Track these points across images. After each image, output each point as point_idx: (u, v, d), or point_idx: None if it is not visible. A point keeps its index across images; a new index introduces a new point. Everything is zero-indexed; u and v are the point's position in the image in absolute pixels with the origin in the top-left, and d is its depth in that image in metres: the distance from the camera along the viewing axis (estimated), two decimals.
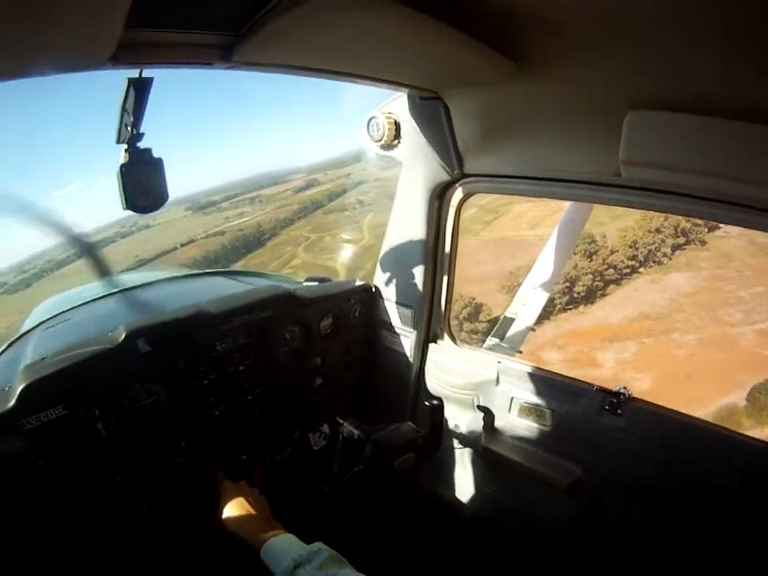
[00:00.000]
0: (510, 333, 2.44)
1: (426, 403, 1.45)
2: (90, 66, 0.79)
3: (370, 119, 1.51)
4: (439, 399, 1.49)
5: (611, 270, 26.74)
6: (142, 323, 1.45)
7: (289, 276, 2.68)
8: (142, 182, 0.95)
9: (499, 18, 0.82)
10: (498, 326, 2.50)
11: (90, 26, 0.64)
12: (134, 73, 0.86)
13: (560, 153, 1.21)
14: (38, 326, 2.09)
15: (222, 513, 1.37)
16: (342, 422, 1.55)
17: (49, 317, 2.13)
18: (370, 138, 1.53)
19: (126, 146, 0.93)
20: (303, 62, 1.01)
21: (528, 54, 0.97)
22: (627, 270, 27.33)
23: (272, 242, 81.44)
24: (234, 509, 1.35)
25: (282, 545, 1.15)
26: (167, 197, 1.02)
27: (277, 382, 1.70)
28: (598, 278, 26.39)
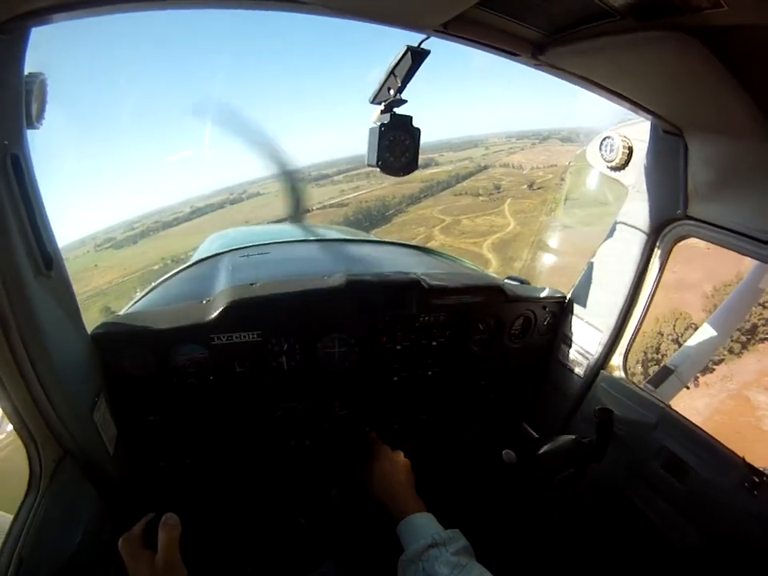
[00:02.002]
0: (665, 384, 2.86)
1: (596, 414, 1.74)
2: (423, 27, 1.06)
3: (605, 138, 1.82)
4: (611, 412, 1.75)
5: None
6: (362, 276, 1.80)
7: (479, 267, 3.07)
8: (397, 145, 1.23)
9: None
10: (656, 374, 2.93)
11: None
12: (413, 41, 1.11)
13: None
14: (231, 251, 2.59)
15: (371, 473, 1.70)
16: (519, 423, 1.94)
17: (242, 246, 2.66)
18: (601, 157, 1.85)
19: (382, 108, 1.21)
20: (592, 76, 1.28)
21: None
22: None
23: (399, 219, 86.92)
24: (386, 473, 1.68)
25: (423, 522, 1.45)
26: (416, 166, 1.28)
27: (458, 366, 2.07)
28: None
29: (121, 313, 1.93)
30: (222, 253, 2.60)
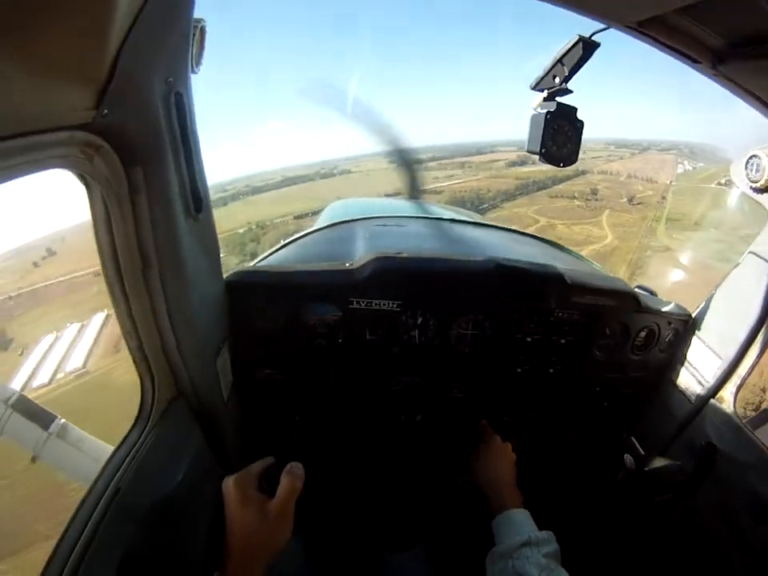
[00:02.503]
0: (765, 427, 2.87)
1: (702, 447, 1.83)
2: (618, 21, 1.10)
3: (752, 157, 1.81)
4: (715, 450, 1.82)
5: None
6: (510, 262, 1.88)
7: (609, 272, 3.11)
8: (560, 135, 1.29)
9: None
10: (758, 415, 3.01)
11: None
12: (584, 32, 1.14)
13: None
14: (366, 219, 2.75)
15: (478, 460, 1.79)
16: (628, 437, 1.96)
17: (377, 216, 2.83)
18: (746, 176, 1.83)
19: (545, 95, 1.28)
20: (763, 95, 1.29)
21: None
22: None
23: (493, 214, 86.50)
24: (494, 463, 1.77)
25: (521, 519, 1.51)
26: (576, 160, 1.33)
27: (579, 368, 2.13)
28: None
29: (251, 264, 2.07)
30: (356, 220, 2.79)
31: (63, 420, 2.43)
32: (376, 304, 1.81)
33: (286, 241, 2.73)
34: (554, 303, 1.96)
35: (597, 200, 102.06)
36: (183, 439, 1.47)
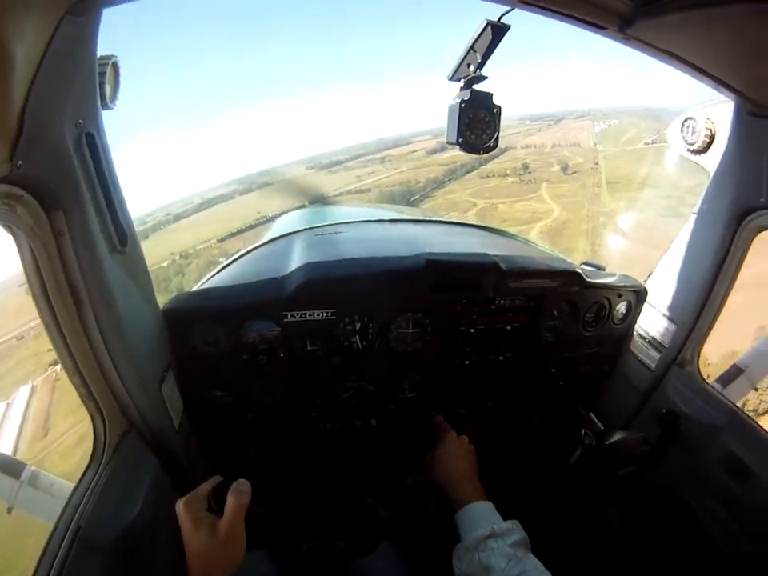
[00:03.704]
0: (733, 384, 2.97)
1: (663, 415, 1.92)
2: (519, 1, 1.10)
3: (687, 119, 1.89)
4: (677, 417, 1.91)
5: None
6: (441, 256, 1.92)
7: (555, 251, 3.29)
8: (478, 122, 1.33)
9: None
10: (725, 372, 3.03)
11: None
12: (493, 15, 1.17)
13: None
14: (305, 230, 2.80)
15: (435, 457, 1.83)
16: (586, 413, 2.03)
17: (315, 225, 2.88)
18: (682, 139, 1.92)
19: (463, 84, 1.31)
20: (679, 52, 1.32)
21: None
22: None
23: (427, 204, 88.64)
24: (451, 459, 1.81)
25: (483, 512, 1.56)
26: (497, 145, 1.37)
27: (530, 352, 2.20)
28: None
29: (193, 289, 2.10)
30: (296, 231, 2.86)
31: (33, 467, 2.48)
32: (310, 315, 1.87)
33: (227, 261, 2.81)
34: (492, 291, 2.02)
35: (530, 173, 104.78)
36: (139, 471, 1.54)
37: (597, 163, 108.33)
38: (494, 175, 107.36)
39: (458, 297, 2.07)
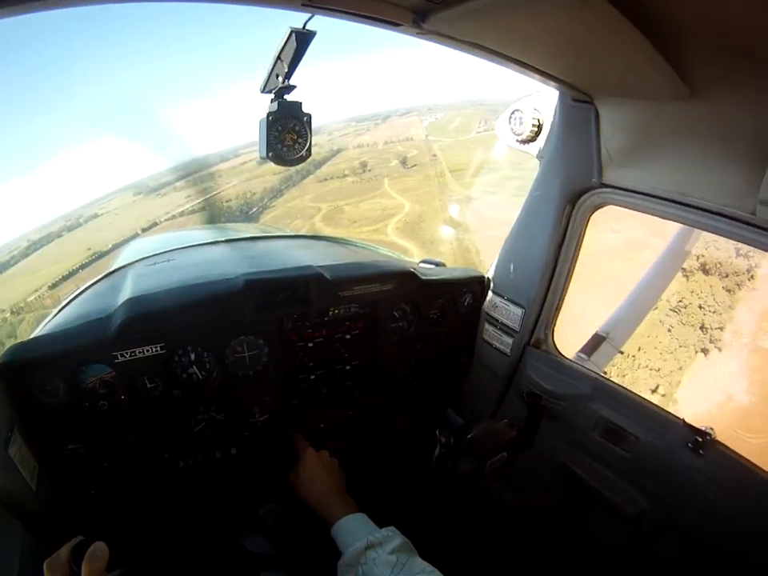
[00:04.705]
0: (598, 352, 3.18)
1: (525, 398, 2.00)
2: (284, 4, 1.10)
3: (514, 111, 2.00)
4: (539, 397, 1.99)
5: None
6: (260, 275, 1.92)
7: (395, 252, 3.40)
8: (288, 133, 1.35)
9: (688, 39, 1.08)
10: (588, 342, 3.23)
11: None
12: (297, 23, 1.17)
13: (703, 181, 1.60)
14: (138, 261, 2.72)
15: (298, 477, 1.82)
16: (444, 409, 2.08)
17: (150, 255, 2.80)
18: (510, 131, 2.03)
19: (272, 96, 1.31)
20: (485, 42, 1.34)
21: (706, 80, 1.27)
22: None
23: (268, 215, 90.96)
24: (312, 477, 1.82)
25: (356, 524, 1.57)
26: (310, 154, 1.39)
27: (377, 357, 2.24)
28: None
29: (30, 337, 1.97)
30: (129, 264, 2.77)
31: None
32: (140, 352, 1.83)
33: (62, 304, 2.74)
34: (322, 303, 2.05)
35: (369, 171, 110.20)
36: (5, 540, 1.49)
37: (435, 155, 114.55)
38: (332, 177, 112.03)
39: (287, 313, 2.07)
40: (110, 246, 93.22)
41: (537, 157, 2.08)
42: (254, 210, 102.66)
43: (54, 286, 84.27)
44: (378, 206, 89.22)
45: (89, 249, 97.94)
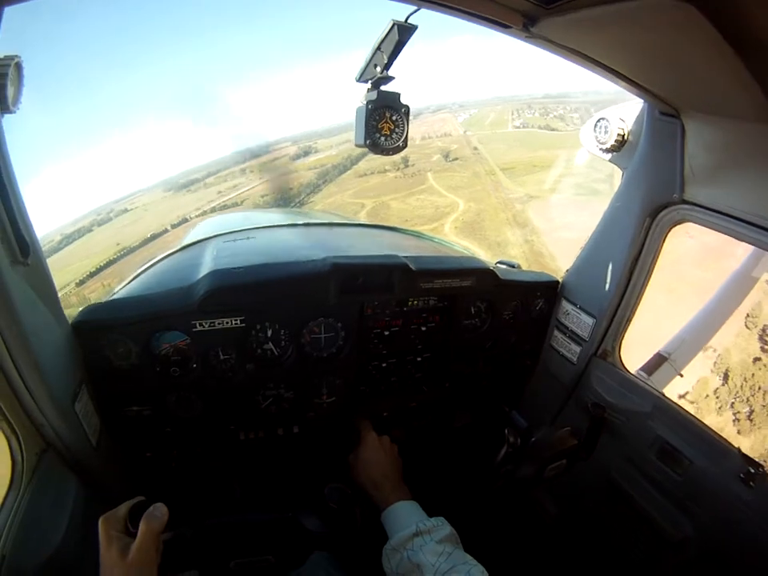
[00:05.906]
0: (658, 372, 3.18)
1: (590, 409, 2.02)
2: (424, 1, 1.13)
3: (600, 119, 2.01)
4: (603, 409, 2.02)
5: None
6: (348, 259, 1.95)
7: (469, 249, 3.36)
8: (385, 123, 1.37)
9: None
10: (649, 361, 3.23)
11: None
12: (400, 16, 1.19)
13: None
14: (215, 236, 2.79)
15: (357, 458, 1.88)
16: (510, 410, 2.12)
17: (228, 231, 2.89)
18: (595, 138, 2.04)
19: (369, 86, 1.33)
20: (586, 50, 1.37)
21: None
22: None
23: (306, 209, 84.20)
24: (371, 459, 1.87)
25: (407, 511, 1.62)
26: (406, 145, 1.42)
27: (449, 351, 2.26)
28: None
29: (103, 300, 2.05)
30: (207, 239, 2.84)
31: None
32: (219, 323, 1.88)
33: (139, 270, 2.80)
34: (403, 292, 2.08)
35: (412, 165, 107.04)
36: (60, 492, 1.55)
37: (475, 148, 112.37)
38: (372, 172, 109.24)
39: (368, 299, 2.13)
40: (139, 240, 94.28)
41: (620, 167, 2.07)
42: (293, 204, 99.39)
43: (80, 283, 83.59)
44: (428, 204, 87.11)
45: (118, 244, 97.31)
